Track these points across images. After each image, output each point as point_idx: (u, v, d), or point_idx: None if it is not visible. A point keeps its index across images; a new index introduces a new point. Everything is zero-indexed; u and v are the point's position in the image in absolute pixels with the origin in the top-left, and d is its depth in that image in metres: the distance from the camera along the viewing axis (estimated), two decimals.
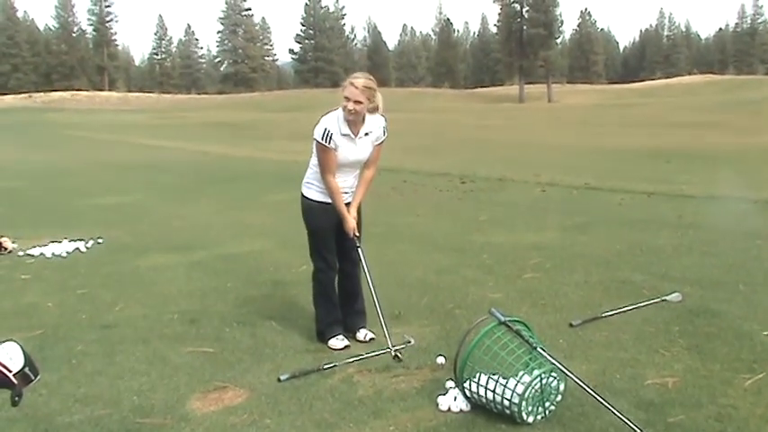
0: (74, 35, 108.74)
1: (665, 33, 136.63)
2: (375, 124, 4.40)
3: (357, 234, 4.50)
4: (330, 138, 4.25)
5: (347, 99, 4.23)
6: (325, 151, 4.29)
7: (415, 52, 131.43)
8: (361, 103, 4.24)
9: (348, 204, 4.50)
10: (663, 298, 5.17)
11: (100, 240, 8.19)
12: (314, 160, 4.45)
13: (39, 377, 2.27)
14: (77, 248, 7.77)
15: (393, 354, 4.14)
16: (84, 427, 3.46)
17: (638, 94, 76.32)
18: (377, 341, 4.53)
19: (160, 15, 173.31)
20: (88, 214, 10.58)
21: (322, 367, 4.08)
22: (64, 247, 7.75)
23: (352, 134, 4.33)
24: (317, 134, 4.27)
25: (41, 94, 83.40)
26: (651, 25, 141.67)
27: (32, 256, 7.48)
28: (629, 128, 30.66)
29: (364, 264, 4.51)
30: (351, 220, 4.47)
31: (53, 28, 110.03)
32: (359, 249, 4.53)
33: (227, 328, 4.91)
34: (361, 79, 4.26)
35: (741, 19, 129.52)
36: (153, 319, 5.16)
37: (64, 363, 4.34)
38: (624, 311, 4.92)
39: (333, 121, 4.30)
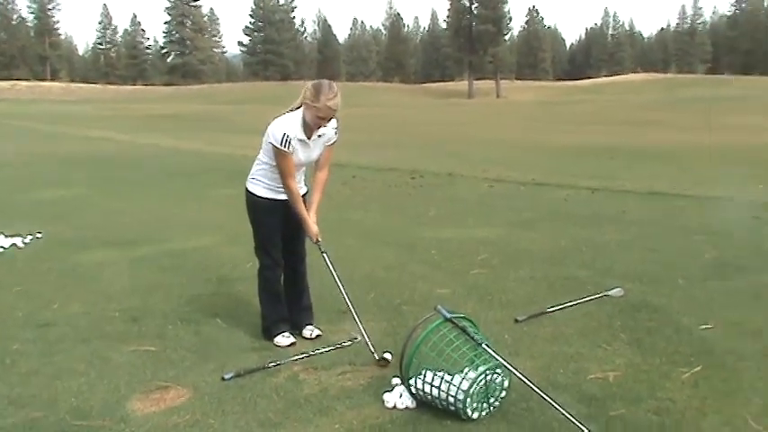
0: (13, 23, 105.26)
1: (610, 32, 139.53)
2: (328, 126, 4.35)
3: (319, 239, 4.46)
4: (289, 143, 4.18)
5: (319, 118, 4.13)
6: (284, 157, 4.21)
7: (366, 46, 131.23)
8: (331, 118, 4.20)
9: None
10: (605, 293, 5.28)
11: (39, 235, 7.94)
12: (263, 157, 4.38)
13: None
14: (14, 244, 7.51)
15: (377, 358, 4.07)
16: (18, 431, 3.34)
17: (583, 91, 77.72)
18: (323, 338, 4.51)
19: (105, 4, 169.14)
20: (27, 209, 10.24)
21: (267, 365, 4.04)
22: (0, 243, 7.48)
23: (307, 138, 4.28)
24: (276, 140, 4.17)
25: None
26: (596, 24, 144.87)
27: None
28: (574, 125, 31.20)
29: (332, 268, 4.45)
30: (313, 226, 4.43)
31: None
32: (324, 254, 4.48)
33: (171, 325, 4.81)
34: (335, 99, 4.11)
35: (682, 19, 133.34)
36: (93, 317, 5.03)
37: None
38: (568, 307, 5.00)
39: (291, 126, 4.20)
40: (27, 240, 7.70)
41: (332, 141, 4.43)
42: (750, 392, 3.59)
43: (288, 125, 4.20)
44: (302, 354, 4.20)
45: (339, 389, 3.74)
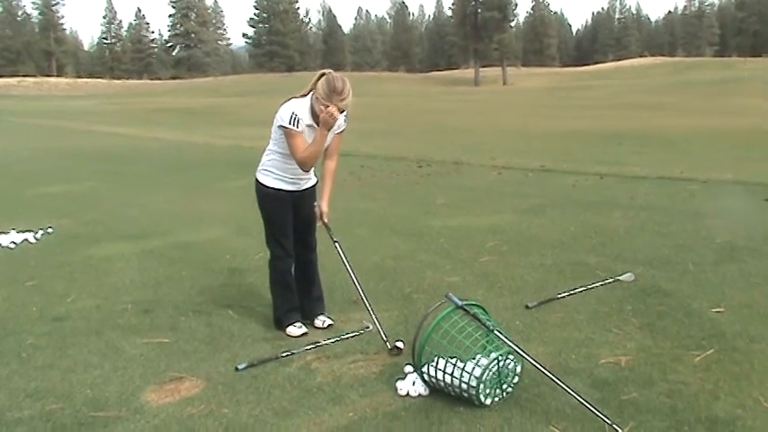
0: (18, 19, 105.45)
1: (617, 16, 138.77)
2: None
3: (328, 226, 4.50)
4: (298, 121, 4.15)
5: (330, 113, 4.07)
6: (293, 135, 4.18)
7: (371, 36, 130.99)
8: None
9: (305, 191, 4.48)
10: (616, 278, 5.27)
11: (50, 230, 7.99)
12: (273, 146, 4.37)
13: None
14: (26, 239, 7.56)
15: (390, 347, 4.07)
16: (36, 423, 3.38)
17: (590, 76, 77.34)
18: (335, 327, 4.53)
19: None
20: (37, 203, 10.30)
21: (280, 355, 4.06)
22: (12, 238, 7.53)
23: (316, 125, 4.26)
24: (284, 119, 4.15)
25: None
26: (603, 8, 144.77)
27: None
28: (581, 110, 31.06)
29: (344, 257, 4.47)
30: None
31: None
32: (336, 243, 4.51)
33: (183, 317, 4.84)
34: (347, 100, 4.09)
35: (689, 2, 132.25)
36: (106, 310, 5.06)
37: (14, 357, 4.23)
38: (578, 292, 5.00)
39: (300, 109, 4.19)
40: (38, 235, 7.74)
41: (341, 129, 4.43)
42: (763, 375, 3.58)
43: (296, 107, 4.19)
44: (314, 343, 4.22)
45: (352, 377, 3.76)
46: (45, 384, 3.81)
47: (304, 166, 4.30)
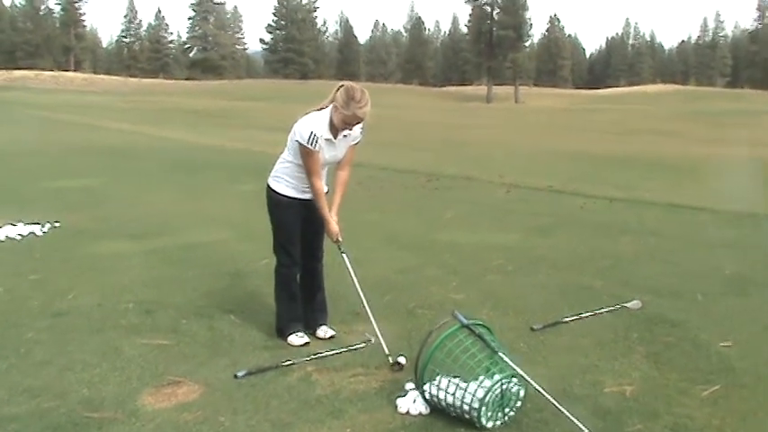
0: (41, 14, 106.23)
1: (630, 42, 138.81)
2: (354, 126, 4.33)
3: (340, 239, 4.44)
4: (316, 142, 4.17)
5: (346, 123, 4.16)
6: (310, 155, 4.21)
7: (386, 48, 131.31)
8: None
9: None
10: (623, 305, 5.21)
11: (57, 224, 7.97)
12: (288, 155, 4.36)
13: None
14: (32, 232, 7.55)
15: (392, 362, 4.02)
16: (29, 420, 3.34)
17: (602, 100, 77.31)
18: (337, 339, 4.48)
19: None
20: (46, 197, 10.30)
21: (280, 364, 4.01)
22: (18, 230, 7.52)
23: (333, 138, 4.28)
24: (303, 138, 4.16)
25: (3, 72, 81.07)
26: (617, 34, 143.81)
27: None
28: (592, 133, 31.00)
29: (351, 269, 4.42)
30: (334, 225, 4.42)
31: (19, 5, 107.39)
32: (344, 255, 4.46)
33: (184, 319, 4.80)
34: (366, 108, 4.13)
35: (703, 32, 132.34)
36: (107, 309, 5.02)
37: (12, 351, 4.20)
38: (585, 317, 4.94)
39: (319, 125, 4.20)
40: (45, 229, 7.73)
41: (356, 141, 4.42)
42: None
43: (315, 124, 4.19)
44: (315, 354, 4.17)
45: (352, 391, 3.71)
46: (41, 381, 3.77)
47: (310, 186, 4.33)
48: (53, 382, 3.76)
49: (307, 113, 4.27)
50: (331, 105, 4.20)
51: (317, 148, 4.18)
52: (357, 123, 4.23)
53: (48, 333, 4.51)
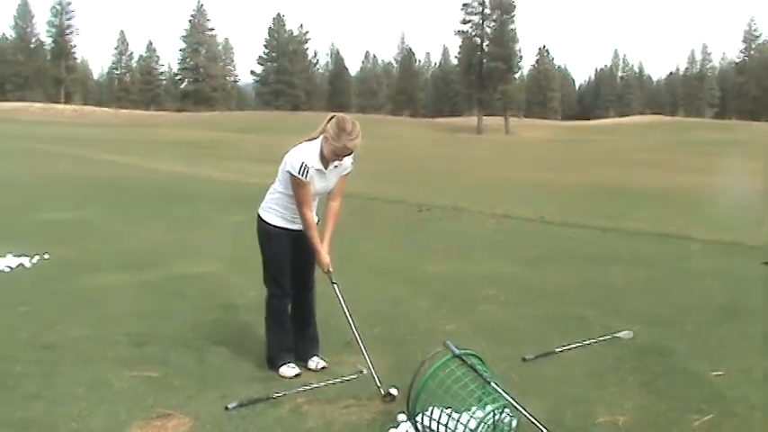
0: (31, 46, 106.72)
1: (619, 74, 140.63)
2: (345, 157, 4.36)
3: (331, 270, 4.44)
4: (307, 172, 4.19)
5: (337, 154, 4.19)
6: (301, 185, 4.22)
7: (377, 79, 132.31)
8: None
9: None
10: (614, 335, 5.21)
11: (46, 256, 7.92)
12: (278, 186, 4.38)
13: None
14: (21, 264, 7.50)
15: (383, 393, 3.99)
16: None
17: (592, 131, 78.03)
18: (328, 370, 4.45)
19: (122, 31, 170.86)
20: (35, 229, 10.24)
21: (271, 396, 3.98)
22: (7, 262, 7.47)
23: (324, 168, 4.30)
24: (294, 169, 4.18)
25: None
26: (606, 65, 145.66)
27: None
28: (583, 163, 31.26)
29: (341, 300, 4.41)
30: (325, 256, 4.42)
31: (10, 37, 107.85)
32: (335, 285, 4.45)
33: (174, 352, 4.76)
34: (356, 140, 4.17)
35: (691, 64, 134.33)
36: (97, 341, 4.98)
37: (0, 383, 4.14)
38: (576, 347, 4.93)
39: (310, 156, 4.22)
40: (34, 261, 7.68)
41: (347, 171, 4.44)
42: None
43: (306, 155, 4.21)
44: (307, 385, 4.14)
45: (343, 423, 3.68)
46: (29, 414, 3.73)
47: (300, 217, 4.34)
48: (41, 416, 3.71)
49: (297, 144, 4.30)
50: (321, 136, 4.23)
51: (307, 178, 4.20)
52: (348, 155, 4.26)
53: (36, 366, 4.46)
